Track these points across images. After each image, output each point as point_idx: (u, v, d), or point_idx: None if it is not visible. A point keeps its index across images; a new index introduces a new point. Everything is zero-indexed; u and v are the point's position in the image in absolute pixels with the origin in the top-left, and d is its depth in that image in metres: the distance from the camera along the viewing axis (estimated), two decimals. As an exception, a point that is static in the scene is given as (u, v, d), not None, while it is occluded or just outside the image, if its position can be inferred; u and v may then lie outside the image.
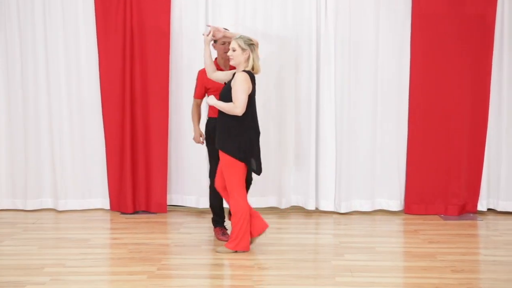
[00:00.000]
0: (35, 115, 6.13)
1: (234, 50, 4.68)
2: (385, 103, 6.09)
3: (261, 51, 5.19)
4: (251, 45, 4.69)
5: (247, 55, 4.68)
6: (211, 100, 4.74)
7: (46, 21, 5.99)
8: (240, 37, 4.70)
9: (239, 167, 4.71)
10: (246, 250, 4.81)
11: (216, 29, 4.93)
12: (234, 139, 4.70)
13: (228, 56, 4.73)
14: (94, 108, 6.10)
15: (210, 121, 5.17)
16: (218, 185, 4.92)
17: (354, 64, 6.04)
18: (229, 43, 4.81)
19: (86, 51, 6.06)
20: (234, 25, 5.93)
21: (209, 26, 4.88)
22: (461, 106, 6.00)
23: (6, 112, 6.13)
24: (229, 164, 4.71)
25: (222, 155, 4.75)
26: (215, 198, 5.22)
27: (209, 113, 5.23)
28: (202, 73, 5.13)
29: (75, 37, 6.05)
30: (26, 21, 6.01)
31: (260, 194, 6.16)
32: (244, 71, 4.69)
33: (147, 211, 6.15)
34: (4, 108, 6.12)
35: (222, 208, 5.30)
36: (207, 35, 4.88)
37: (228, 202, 4.88)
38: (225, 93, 4.73)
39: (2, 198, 6.20)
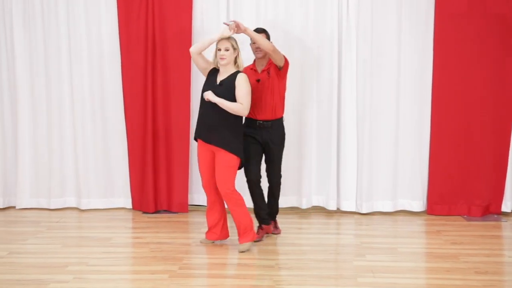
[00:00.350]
0: (59, 115, 6.20)
1: (227, 50, 4.73)
2: (407, 102, 6.04)
3: (283, 50, 5.20)
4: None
5: (236, 55, 4.78)
6: (212, 96, 4.71)
7: (69, 20, 6.05)
8: (232, 37, 4.79)
9: (237, 167, 4.85)
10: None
11: (237, 25, 4.82)
12: (239, 139, 4.81)
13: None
14: (117, 108, 6.15)
15: (259, 123, 5.08)
16: (210, 185, 4.93)
17: (376, 64, 6.00)
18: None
19: (109, 52, 6.10)
20: (255, 25, 5.93)
21: (233, 21, 4.86)
22: (485, 105, 5.93)
23: (30, 112, 6.21)
24: (232, 164, 4.77)
25: (225, 155, 4.75)
26: (260, 197, 5.19)
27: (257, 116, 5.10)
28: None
29: (98, 38, 6.10)
30: (50, 22, 6.08)
31: (281, 194, 6.14)
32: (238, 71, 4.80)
33: (168, 211, 6.18)
34: (28, 108, 6.20)
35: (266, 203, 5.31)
36: (229, 28, 4.79)
37: (226, 201, 4.90)
38: (224, 93, 4.72)
39: (27, 197, 6.28)
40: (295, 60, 5.95)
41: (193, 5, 5.99)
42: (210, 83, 4.82)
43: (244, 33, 4.89)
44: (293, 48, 5.95)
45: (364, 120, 6.05)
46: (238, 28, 4.82)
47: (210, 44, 4.83)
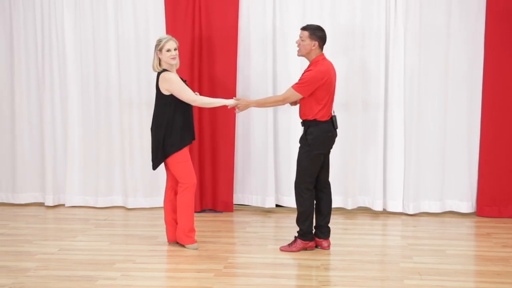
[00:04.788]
0: (106, 116, 6.31)
1: (176, 49, 4.82)
2: (456, 102, 5.91)
3: (328, 47, 5.18)
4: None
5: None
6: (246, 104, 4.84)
7: (118, 23, 6.16)
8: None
9: None
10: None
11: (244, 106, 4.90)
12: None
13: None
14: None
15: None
16: None
17: (424, 63, 5.90)
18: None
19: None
20: (301, 22, 5.93)
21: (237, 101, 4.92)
22: (537, 105, 5.76)
23: (78, 112, 6.34)
24: None
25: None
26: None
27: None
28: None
29: (146, 39, 6.18)
30: (99, 20, 6.20)
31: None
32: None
33: (213, 210, 6.21)
34: (77, 109, 6.33)
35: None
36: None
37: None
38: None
39: (75, 195, 6.42)
40: (340, 58, 5.92)
41: (239, 2, 6.00)
42: (183, 82, 4.87)
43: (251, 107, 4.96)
44: (338, 45, 5.91)
45: (412, 119, 5.96)
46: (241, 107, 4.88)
47: (220, 105, 4.98)
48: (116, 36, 6.18)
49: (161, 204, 6.31)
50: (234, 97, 5.04)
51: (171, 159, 4.83)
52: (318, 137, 4.72)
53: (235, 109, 4.94)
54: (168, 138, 4.78)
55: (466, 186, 5.99)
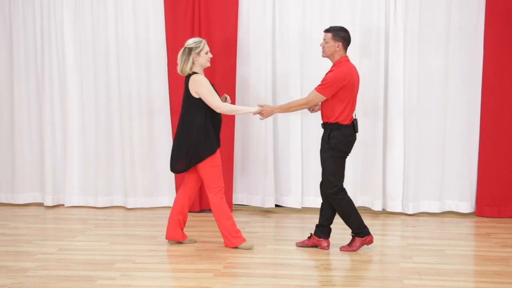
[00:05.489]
0: (106, 116, 6.32)
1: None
2: (455, 102, 5.92)
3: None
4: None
5: None
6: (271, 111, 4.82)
7: (117, 23, 6.16)
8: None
9: None
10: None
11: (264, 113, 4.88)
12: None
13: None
14: (163, 108, 6.22)
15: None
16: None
17: (424, 63, 5.91)
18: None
19: (156, 53, 6.18)
20: (301, 23, 5.95)
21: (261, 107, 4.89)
22: (537, 104, 5.77)
23: (78, 112, 6.35)
24: None
25: None
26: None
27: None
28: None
29: (145, 39, 6.19)
30: (99, 24, 6.21)
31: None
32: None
33: (213, 210, 6.21)
34: (77, 109, 6.34)
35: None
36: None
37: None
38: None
39: (75, 195, 6.42)
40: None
41: (239, 4, 6.01)
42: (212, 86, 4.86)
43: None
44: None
45: (411, 119, 5.96)
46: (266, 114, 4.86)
47: (244, 112, 4.98)
48: (115, 36, 6.19)
49: (161, 204, 6.35)
50: (257, 104, 5.00)
51: (204, 163, 4.79)
52: (341, 142, 4.73)
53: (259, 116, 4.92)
54: (204, 141, 4.76)
55: (465, 186, 5.99)
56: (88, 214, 6.14)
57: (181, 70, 4.82)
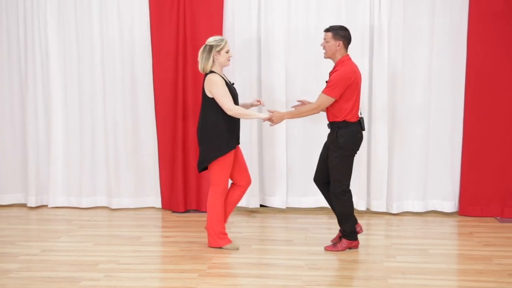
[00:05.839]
0: (90, 115, 6.28)
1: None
2: (439, 101, 5.96)
3: (314, 48, 5.21)
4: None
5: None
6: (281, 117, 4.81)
7: (102, 25, 6.13)
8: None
9: None
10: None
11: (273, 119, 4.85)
12: None
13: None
14: (147, 108, 6.20)
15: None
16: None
17: (408, 64, 5.94)
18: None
19: (141, 53, 6.16)
20: (286, 23, 5.96)
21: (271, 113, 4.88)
22: (520, 104, 5.83)
23: (62, 112, 6.30)
24: None
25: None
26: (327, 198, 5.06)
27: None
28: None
29: (130, 40, 6.16)
30: (83, 23, 6.17)
31: (308, 194, 6.14)
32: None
33: (198, 210, 6.20)
34: (60, 108, 6.29)
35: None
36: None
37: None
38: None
39: (58, 196, 6.37)
40: (325, 60, 5.94)
41: (224, 5, 6.00)
42: (230, 85, 4.86)
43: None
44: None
45: (395, 118, 5.99)
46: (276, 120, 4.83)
47: (254, 117, 4.95)
48: (100, 37, 6.15)
49: (146, 205, 6.32)
50: (267, 110, 4.97)
51: (215, 161, 4.78)
52: (349, 139, 4.73)
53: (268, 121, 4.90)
54: (214, 141, 4.74)
55: (449, 185, 6.04)
56: (72, 215, 6.09)
57: (202, 69, 4.80)
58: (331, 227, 5.61)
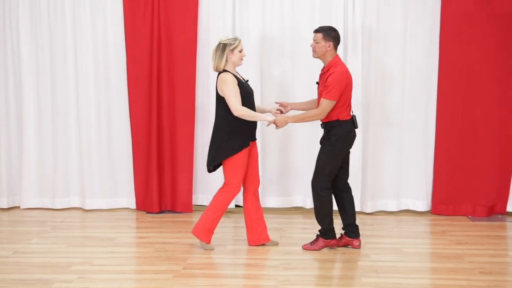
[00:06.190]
0: (63, 115, 6.21)
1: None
2: (412, 101, 6.03)
3: (289, 48, 5.21)
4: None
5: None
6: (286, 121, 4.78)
7: (75, 22, 6.07)
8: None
9: None
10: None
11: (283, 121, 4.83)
12: None
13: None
14: (121, 108, 6.16)
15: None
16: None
17: (381, 64, 6.00)
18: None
19: (115, 53, 6.12)
20: (261, 24, 5.97)
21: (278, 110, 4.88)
22: (490, 105, 5.91)
23: (35, 112, 6.22)
24: None
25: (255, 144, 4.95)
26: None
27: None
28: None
29: (104, 39, 6.11)
30: (56, 24, 6.10)
31: (284, 194, 6.16)
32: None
33: (172, 211, 6.18)
34: (33, 109, 6.21)
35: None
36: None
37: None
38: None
39: (31, 197, 6.29)
40: (299, 59, 5.99)
41: (199, 8, 5.99)
42: (245, 82, 4.85)
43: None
44: (298, 46, 5.98)
45: (369, 118, 6.04)
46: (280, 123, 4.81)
47: (260, 120, 4.85)
48: (73, 37, 6.09)
49: (120, 205, 6.27)
50: (272, 113, 4.95)
51: (228, 160, 4.76)
52: (342, 137, 4.77)
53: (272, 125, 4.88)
54: (227, 141, 4.72)
55: (422, 185, 6.11)
56: (45, 216, 6.03)
57: (216, 67, 4.77)
58: (306, 227, 5.64)
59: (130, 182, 6.23)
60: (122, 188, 6.29)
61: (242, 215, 5.98)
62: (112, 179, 6.26)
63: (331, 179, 4.86)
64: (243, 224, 5.71)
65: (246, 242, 5.06)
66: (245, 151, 4.77)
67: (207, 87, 6.12)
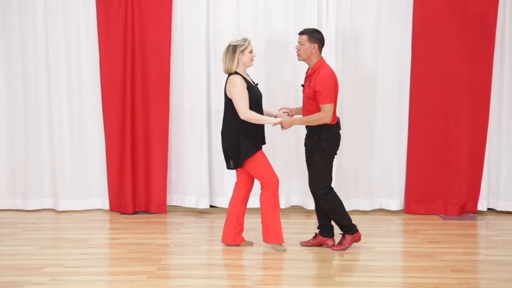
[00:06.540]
0: (36, 116, 6.13)
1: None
2: (385, 101, 6.09)
3: (263, 49, 5.30)
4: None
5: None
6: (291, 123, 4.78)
7: (47, 22, 5.99)
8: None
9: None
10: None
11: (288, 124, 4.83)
12: None
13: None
14: (95, 108, 6.10)
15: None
16: None
17: (355, 64, 6.04)
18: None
19: (88, 52, 6.05)
20: (235, 25, 5.98)
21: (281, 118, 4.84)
22: (462, 105, 6.00)
23: (6, 113, 6.13)
24: None
25: None
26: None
27: None
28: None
29: (76, 39, 6.04)
30: (27, 23, 6.02)
31: (258, 194, 6.15)
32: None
33: (146, 212, 6.15)
34: (4, 109, 6.12)
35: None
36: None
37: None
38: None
39: (3, 198, 6.20)
40: (274, 62, 6.01)
41: (173, 4, 5.96)
42: (254, 86, 4.84)
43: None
44: (273, 48, 6.00)
45: (342, 119, 6.06)
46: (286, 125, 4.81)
47: (266, 123, 4.82)
48: (45, 35, 6.01)
49: (93, 206, 6.22)
50: (277, 115, 4.96)
51: (248, 163, 4.75)
52: (332, 142, 4.82)
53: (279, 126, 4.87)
54: (243, 142, 4.71)
55: (394, 184, 6.17)
56: (17, 218, 5.94)
57: (227, 69, 4.75)
58: (284, 226, 5.64)
59: (103, 183, 6.18)
60: (95, 189, 6.23)
61: (217, 216, 6.04)
62: (86, 180, 6.20)
63: (331, 180, 4.90)
64: (218, 224, 5.74)
65: (221, 243, 5.05)
66: (261, 151, 4.82)
67: (181, 87, 6.10)
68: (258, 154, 4.80)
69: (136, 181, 6.09)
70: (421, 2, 5.90)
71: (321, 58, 4.84)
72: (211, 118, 6.14)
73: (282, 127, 4.83)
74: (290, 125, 4.82)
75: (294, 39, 5.92)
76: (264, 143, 4.92)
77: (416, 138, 6.05)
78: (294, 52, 5.91)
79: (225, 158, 4.89)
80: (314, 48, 4.77)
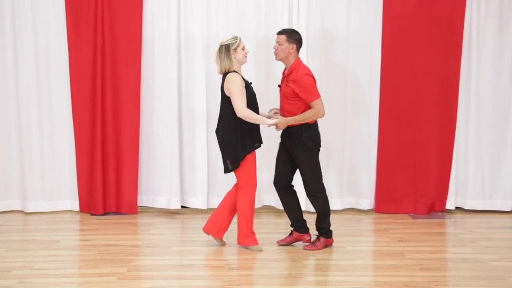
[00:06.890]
0: (4, 116, 6.03)
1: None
2: (355, 101, 6.14)
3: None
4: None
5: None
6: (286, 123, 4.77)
7: (15, 21, 5.90)
8: None
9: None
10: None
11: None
12: None
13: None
14: (64, 109, 6.03)
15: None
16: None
17: (326, 64, 6.08)
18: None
19: (57, 52, 5.97)
20: (206, 27, 5.97)
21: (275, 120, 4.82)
22: (431, 106, 6.08)
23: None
24: None
25: None
26: (284, 201, 5.14)
27: None
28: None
29: (45, 38, 5.96)
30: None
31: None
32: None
33: (117, 212, 6.09)
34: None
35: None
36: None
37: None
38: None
39: (-31, 200, 6.10)
40: (247, 63, 6.00)
41: (143, 6, 5.93)
42: (249, 85, 4.83)
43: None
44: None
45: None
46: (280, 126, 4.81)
47: (262, 123, 4.81)
48: (12, 34, 5.91)
49: (62, 208, 6.14)
50: (272, 114, 4.97)
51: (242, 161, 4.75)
52: (315, 140, 4.87)
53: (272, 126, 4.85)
54: (239, 142, 4.69)
55: (365, 184, 6.23)
56: (-17, 220, 5.85)
57: (223, 69, 4.71)
58: (255, 226, 5.65)
59: (73, 184, 6.10)
60: (65, 190, 6.15)
61: (189, 216, 6.02)
62: (55, 181, 6.12)
63: (321, 178, 4.95)
64: (190, 225, 5.73)
65: (192, 243, 5.04)
66: (254, 152, 4.83)
67: (152, 88, 6.07)
68: (252, 153, 4.81)
69: (107, 181, 6.04)
70: (391, 5, 5.97)
71: (298, 58, 4.87)
72: (182, 119, 6.12)
73: (277, 128, 4.84)
74: (285, 125, 4.83)
75: (265, 41, 6.00)
76: (261, 142, 4.92)
77: (386, 138, 6.12)
78: (266, 54, 5.99)
79: (223, 161, 4.86)
80: (292, 48, 4.80)
